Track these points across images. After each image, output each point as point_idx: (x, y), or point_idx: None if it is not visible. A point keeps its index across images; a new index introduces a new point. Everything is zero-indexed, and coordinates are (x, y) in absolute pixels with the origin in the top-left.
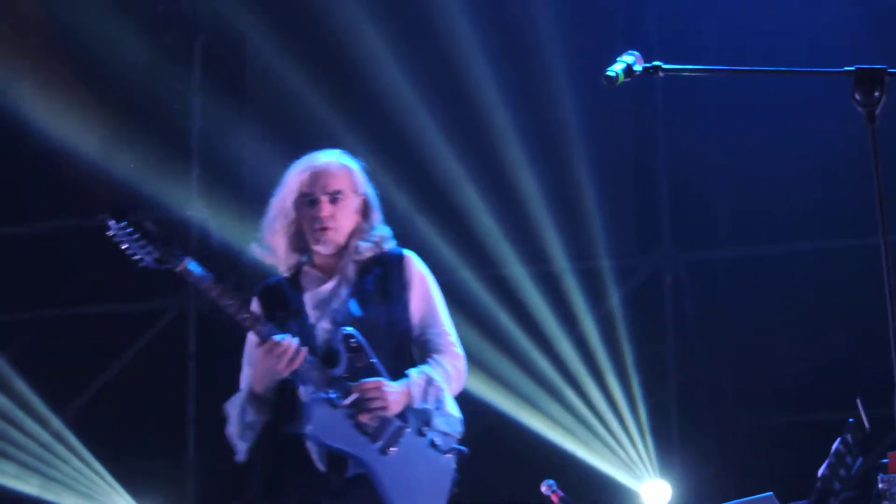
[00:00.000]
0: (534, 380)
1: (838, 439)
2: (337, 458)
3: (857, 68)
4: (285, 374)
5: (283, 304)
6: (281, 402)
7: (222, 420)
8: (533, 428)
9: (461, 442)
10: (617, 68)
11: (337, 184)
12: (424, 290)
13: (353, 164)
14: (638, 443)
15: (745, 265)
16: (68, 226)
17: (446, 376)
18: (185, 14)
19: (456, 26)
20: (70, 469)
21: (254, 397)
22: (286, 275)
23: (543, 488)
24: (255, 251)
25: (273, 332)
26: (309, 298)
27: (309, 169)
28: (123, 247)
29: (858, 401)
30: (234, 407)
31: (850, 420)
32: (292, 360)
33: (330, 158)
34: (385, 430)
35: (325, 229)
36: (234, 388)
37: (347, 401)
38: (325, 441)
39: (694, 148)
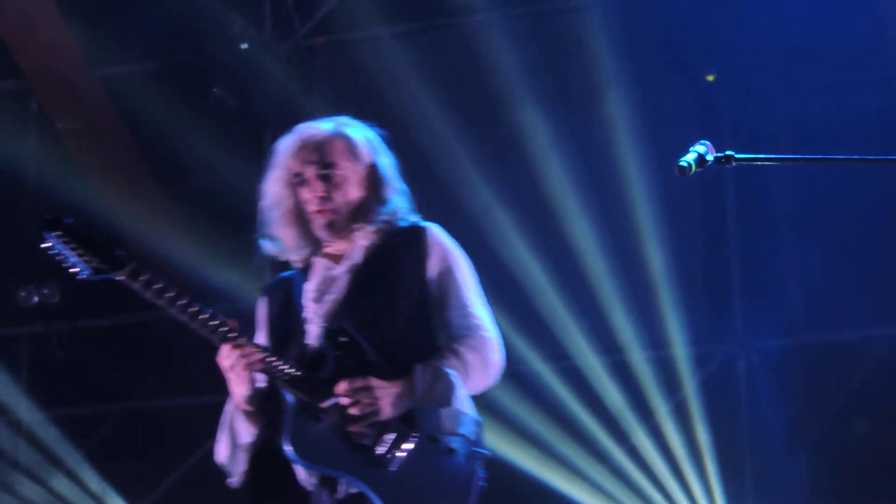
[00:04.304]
0: (609, 470)
1: None
2: (329, 477)
3: None
4: (240, 386)
5: (283, 300)
6: (268, 409)
7: None
8: None
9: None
10: (689, 158)
11: (328, 156)
12: (446, 263)
13: (352, 131)
14: None
15: (819, 351)
16: (144, 318)
17: (462, 367)
18: (256, 107)
19: (525, 115)
20: None
21: (239, 410)
22: (299, 267)
23: None
24: (266, 247)
25: (231, 337)
26: (309, 290)
27: (297, 142)
28: (59, 259)
29: None
30: (222, 427)
31: None
32: (245, 365)
33: (320, 127)
34: (383, 440)
35: (319, 212)
36: None
37: (326, 404)
38: (302, 461)
39: (765, 233)
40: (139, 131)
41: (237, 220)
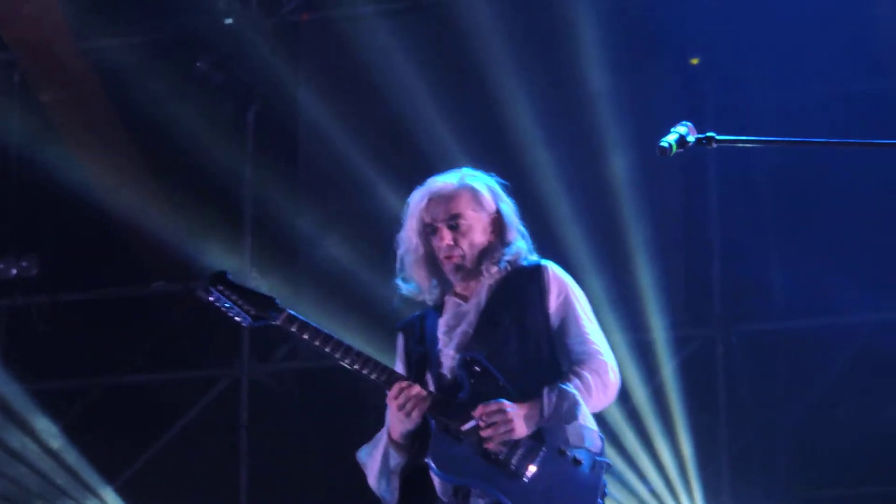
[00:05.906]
0: None
1: None
2: (463, 489)
3: None
4: (415, 418)
5: (419, 333)
6: (416, 441)
7: (274, 489)
8: None
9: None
10: (670, 139)
11: (455, 207)
12: (564, 297)
13: (476, 182)
14: None
15: (798, 336)
16: (122, 294)
17: (584, 388)
18: (240, 82)
19: (508, 97)
20: None
21: (394, 443)
22: (431, 306)
23: None
24: (402, 288)
25: (395, 378)
26: (442, 325)
27: (426, 195)
28: (222, 310)
29: None
30: (372, 456)
31: None
32: (416, 403)
33: (447, 181)
34: (516, 454)
35: (448, 258)
36: (287, 457)
37: (466, 427)
38: (445, 476)
39: (746, 217)
40: (123, 104)
41: (220, 193)
